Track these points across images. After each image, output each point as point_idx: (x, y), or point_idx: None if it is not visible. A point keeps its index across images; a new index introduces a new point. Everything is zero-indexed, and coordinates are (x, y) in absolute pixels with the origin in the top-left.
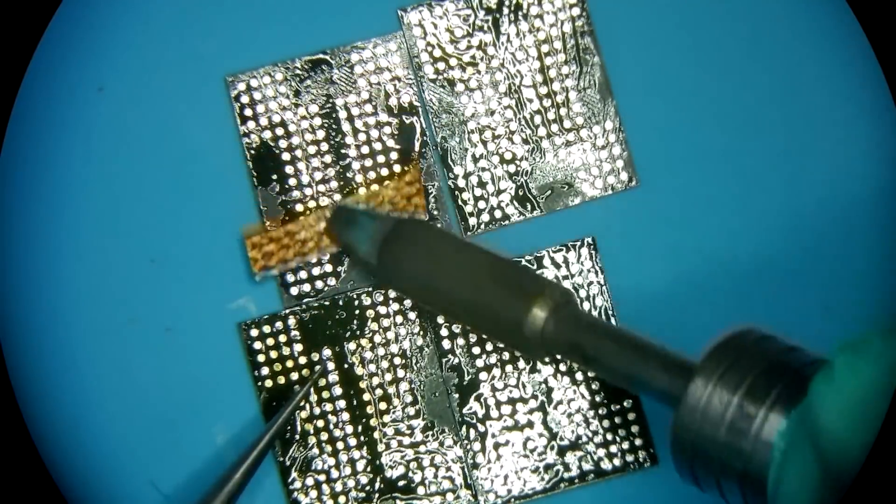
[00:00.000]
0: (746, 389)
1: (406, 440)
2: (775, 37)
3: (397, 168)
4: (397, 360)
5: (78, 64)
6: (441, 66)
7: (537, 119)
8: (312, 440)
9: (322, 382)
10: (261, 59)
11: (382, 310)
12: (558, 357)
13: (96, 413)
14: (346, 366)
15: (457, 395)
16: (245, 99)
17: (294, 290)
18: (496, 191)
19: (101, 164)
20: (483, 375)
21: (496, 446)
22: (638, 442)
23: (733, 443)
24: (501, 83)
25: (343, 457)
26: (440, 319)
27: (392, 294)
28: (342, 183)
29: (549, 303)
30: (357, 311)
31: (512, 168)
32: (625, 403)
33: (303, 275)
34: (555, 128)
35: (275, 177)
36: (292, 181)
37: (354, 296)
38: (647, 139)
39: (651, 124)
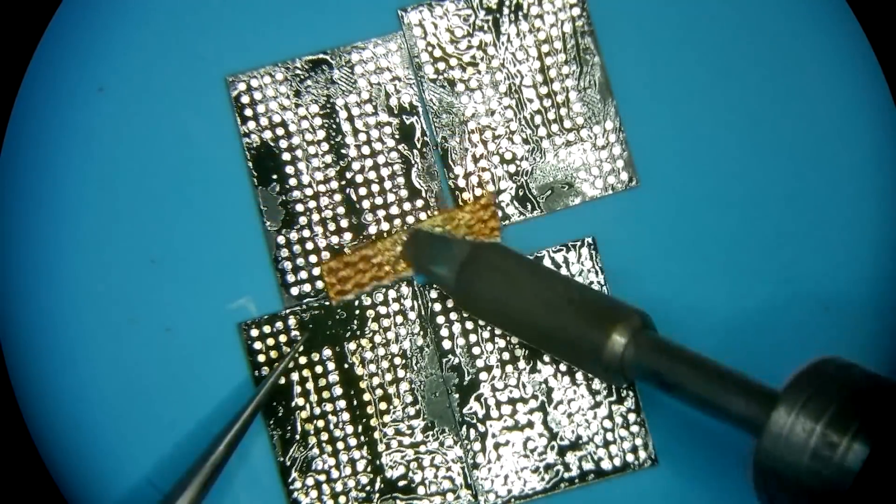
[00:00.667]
0: (830, 418)
1: (406, 440)
2: (775, 37)
3: (398, 167)
4: (397, 360)
5: (78, 64)
6: (441, 66)
7: (537, 119)
8: (312, 440)
9: (322, 382)
10: (261, 59)
11: (382, 310)
12: (637, 382)
13: (96, 413)
14: (346, 366)
15: (457, 395)
16: (245, 99)
17: (294, 290)
18: (496, 191)
19: (101, 165)
20: (483, 375)
21: (496, 446)
22: (638, 442)
23: (816, 471)
24: (501, 83)
25: (343, 457)
26: (439, 319)
27: (392, 294)
28: (342, 183)
29: (628, 329)
30: (357, 311)
31: (512, 168)
32: (625, 403)
33: (303, 275)
34: (555, 128)
35: (275, 177)
36: (292, 181)
37: (354, 296)
38: (647, 139)
39: (651, 124)
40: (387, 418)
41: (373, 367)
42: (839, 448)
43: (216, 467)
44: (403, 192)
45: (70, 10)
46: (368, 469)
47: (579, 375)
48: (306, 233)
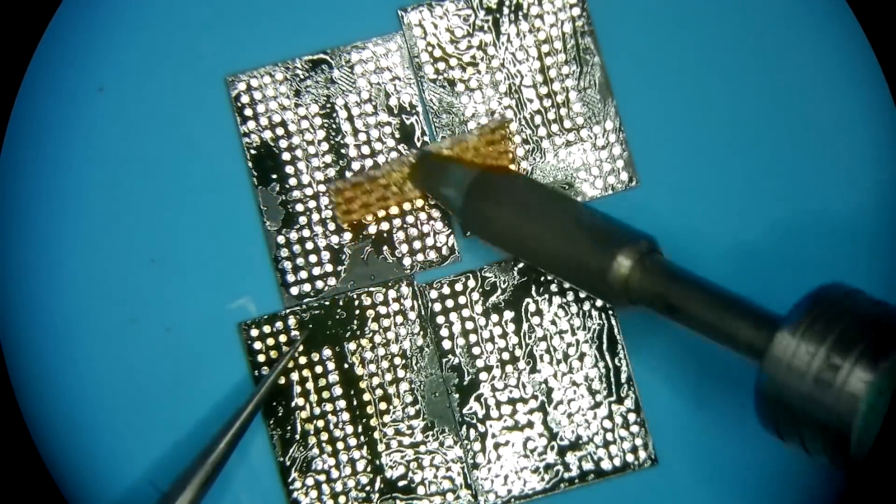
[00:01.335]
0: (833, 342)
1: (406, 440)
2: (775, 36)
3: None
4: (397, 360)
5: (78, 64)
6: (441, 66)
7: (537, 119)
8: (312, 440)
9: (322, 382)
10: (261, 59)
11: (382, 310)
12: (642, 306)
13: (96, 413)
14: (346, 366)
15: (457, 396)
16: (245, 99)
17: (294, 290)
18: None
19: (101, 165)
20: (483, 375)
21: (496, 446)
22: (638, 442)
23: (819, 394)
24: (501, 83)
25: (343, 457)
26: (439, 319)
27: (392, 294)
28: (342, 183)
29: (634, 252)
30: (357, 311)
31: (512, 168)
32: (625, 403)
33: (303, 275)
34: (555, 128)
35: (275, 177)
36: (292, 181)
37: (354, 296)
38: (647, 139)
39: (651, 124)
40: (387, 418)
41: (373, 367)
42: (841, 371)
43: (216, 466)
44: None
45: (70, 10)
46: (368, 469)
47: (579, 376)
48: (306, 233)
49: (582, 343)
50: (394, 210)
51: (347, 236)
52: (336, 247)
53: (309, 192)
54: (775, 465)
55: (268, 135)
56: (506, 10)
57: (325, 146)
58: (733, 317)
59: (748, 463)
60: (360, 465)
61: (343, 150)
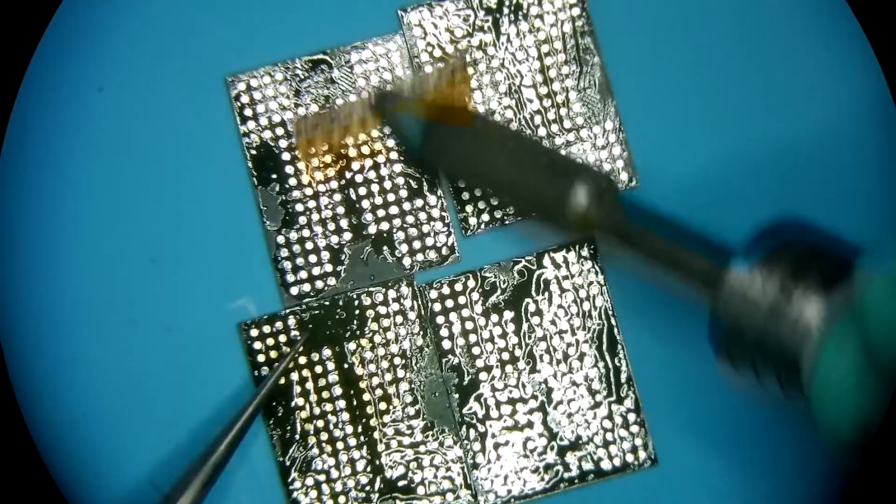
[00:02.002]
0: (788, 271)
1: (406, 440)
2: (775, 37)
3: (398, 168)
4: (397, 360)
5: (78, 64)
6: (441, 65)
7: (537, 119)
8: (312, 440)
9: (322, 382)
10: (261, 59)
11: (382, 310)
12: (599, 238)
13: (96, 413)
14: (346, 366)
15: (457, 396)
16: (245, 99)
17: (294, 290)
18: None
19: (101, 164)
20: (483, 375)
21: (496, 446)
22: (638, 442)
23: (773, 323)
24: (501, 83)
25: (343, 457)
26: (439, 319)
27: (392, 294)
28: (342, 183)
29: (592, 184)
30: (357, 311)
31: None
32: (625, 403)
33: (303, 275)
34: (555, 128)
35: (275, 177)
36: (292, 181)
37: (354, 296)
38: (647, 139)
39: (651, 124)
40: (386, 418)
41: (372, 367)
42: (797, 300)
43: (216, 467)
44: (403, 192)
45: (70, 10)
46: (368, 469)
47: (579, 376)
48: (306, 233)
49: (582, 343)
50: (391, 203)
51: (347, 236)
52: (336, 247)
53: (309, 191)
54: (775, 465)
55: (268, 135)
56: (506, 10)
57: (324, 146)
58: (689, 248)
59: (748, 463)
60: (360, 465)
61: (343, 150)
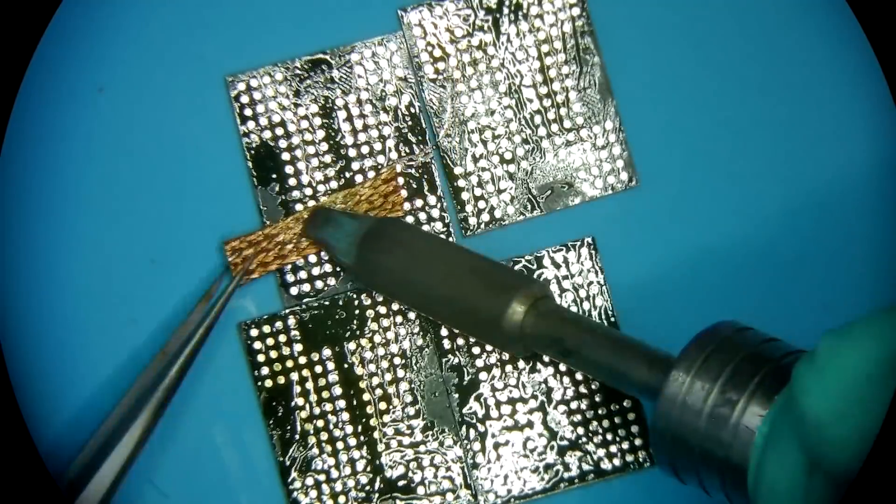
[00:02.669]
0: (727, 377)
1: (406, 440)
2: (775, 37)
3: (397, 168)
4: (397, 360)
5: (78, 64)
6: (441, 66)
7: (537, 119)
8: (312, 440)
9: (322, 382)
10: (261, 59)
11: (382, 310)
12: (536, 352)
13: (96, 413)
14: (346, 366)
15: (457, 395)
16: (245, 99)
17: (294, 290)
18: (496, 191)
19: (101, 165)
20: (483, 375)
21: (496, 446)
22: (638, 442)
23: (714, 431)
24: (501, 83)
25: (343, 457)
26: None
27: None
28: (342, 183)
29: (528, 297)
30: (357, 311)
31: (512, 168)
32: (625, 403)
33: (302, 275)
34: (555, 128)
35: (275, 177)
36: (292, 181)
37: (354, 296)
38: (647, 139)
39: (651, 124)
40: (386, 418)
41: (372, 367)
42: (737, 406)
43: (168, 391)
44: (403, 192)
45: (70, 10)
46: (368, 469)
47: (579, 375)
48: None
49: None
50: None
51: None
52: None
53: (309, 191)
54: None
55: (268, 135)
56: (506, 10)
57: (324, 146)
58: (628, 358)
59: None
60: (360, 465)
61: (343, 150)
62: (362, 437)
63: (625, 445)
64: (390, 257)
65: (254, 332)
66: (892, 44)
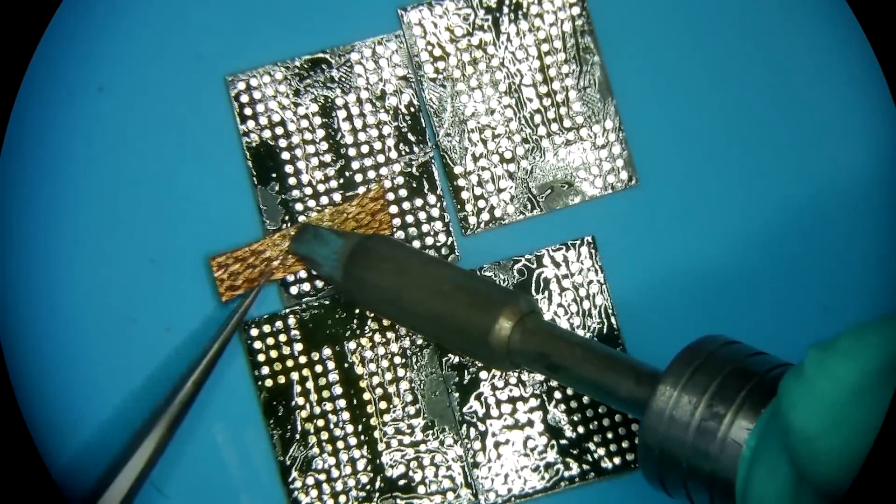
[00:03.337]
0: (714, 391)
1: (406, 439)
2: (775, 37)
3: (397, 168)
4: (397, 360)
5: (78, 64)
6: (441, 65)
7: (537, 118)
8: (312, 440)
9: (322, 382)
10: (261, 59)
11: None
12: (524, 368)
13: (96, 413)
14: (346, 365)
15: (457, 394)
16: (245, 98)
17: (294, 290)
18: (496, 190)
19: (101, 164)
20: (483, 374)
21: (496, 445)
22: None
23: (702, 444)
24: (501, 82)
25: (343, 456)
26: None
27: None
28: (342, 182)
29: (514, 313)
30: (357, 311)
31: (512, 167)
32: None
33: (302, 274)
34: (555, 127)
35: (275, 176)
36: (292, 181)
37: None
38: (647, 139)
39: (651, 124)
40: (387, 417)
41: (373, 367)
42: (724, 420)
43: (184, 405)
44: (403, 192)
45: (70, 10)
46: (368, 468)
47: None
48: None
49: None
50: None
51: None
52: None
53: (309, 191)
54: None
55: (268, 134)
56: (506, 10)
57: (324, 146)
58: (615, 373)
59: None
60: (361, 465)
61: (343, 150)
62: (363, 437)
63: (625, 444)
64: (377, 274)
65: (254, 332)
66: (892, 44)
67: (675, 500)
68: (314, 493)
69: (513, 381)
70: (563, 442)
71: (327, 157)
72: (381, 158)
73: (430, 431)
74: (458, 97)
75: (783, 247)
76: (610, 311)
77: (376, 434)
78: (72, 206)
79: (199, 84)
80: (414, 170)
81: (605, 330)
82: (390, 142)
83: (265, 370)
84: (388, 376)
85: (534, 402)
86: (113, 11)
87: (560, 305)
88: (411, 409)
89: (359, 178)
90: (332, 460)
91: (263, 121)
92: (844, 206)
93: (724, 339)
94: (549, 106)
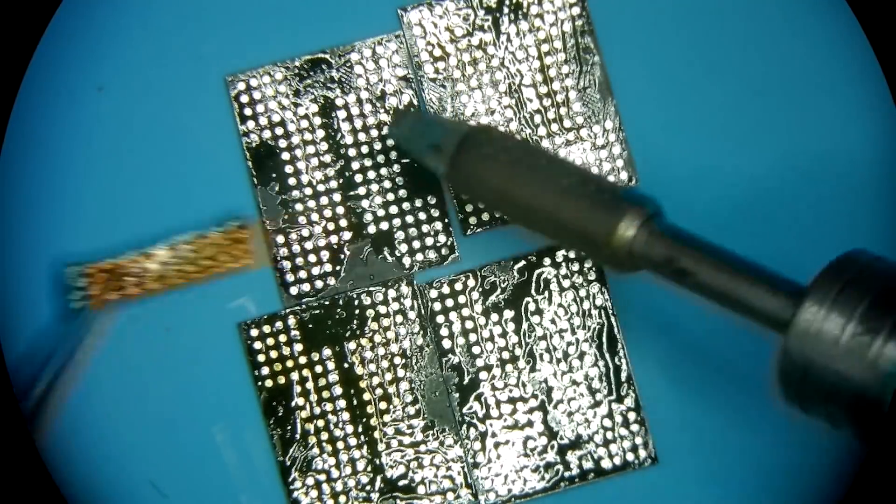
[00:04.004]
0: (864, 311)
1: (406, 440)
2: (775, 37)
3: (397, 168)
4: (397, 360)
5: (78, 64)
6: (441, 65)
7: (537, 118)
8: (312, 440)
9: (322, 382)
10: (261, 59)
11: (382, 309)
12: (646, 271)
13: (96, 413)
14: (346, 366)
15: (457, 395)
16: (245, 98)
17: (294, 290)
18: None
19: (101, 164)
20: (483, 375)
21: (496, 445)
22: (638, 441)
23: (851, 363)
24: (501, 83)
25: (343, 457)
26: (439, 319)
27: (392, 293)
28: (342, 182)
29: (640, 213)
30: (357, 311)
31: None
32: (625, 402)
33: (302, 274)
34: (555, 127)
35: (275, 176)
36: (292, 181)
37: (354, 296)
38: (647, 139)
39: (651, 124)
40: (387, 418)
41: (373, 367)
42: (875, 343)
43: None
44: (403, 192)
45: (70, 10)
46: (368, 469)
47: (579, 375)
48: (305, 232)
49: (582, 342)
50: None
51: (347, 236)
52: (335, 247)
53: (309, 191)
54: (775, 465)
55: (267, 134)
56: (506, 10)
57: (324, 146)
58: (752, 284)
59: (749, 462)
60: (361, 465)
61: (343, 150)
62: (363, 437)
63: (625, 444)
64: (490, 165)
65: (254, 332)
66: (892, 44)
67: (812, 417)
68: (314, 493)
69: (512, 381)
70: (563, 442)
71: (327, 157)
72: (381, 159)
73: (430, 432)
74: (458, 97)
75: (784, 245)
76: (610, 311)
77: (376, 434)
78: (71, 205)
79: (199, 84)
80: (414, 170)
81: (604, 329)
82: (390, 142)
83: (265, 370)
84: (388, 377)
85: (534, 403)
86: (113, 11)
87: (560, 305)
88: (411, 410)
89: (359, 178)
90: (332, 461)
91: (263, 121)
92: (845, 203)
93: (870, 254)
94: (549, 106)
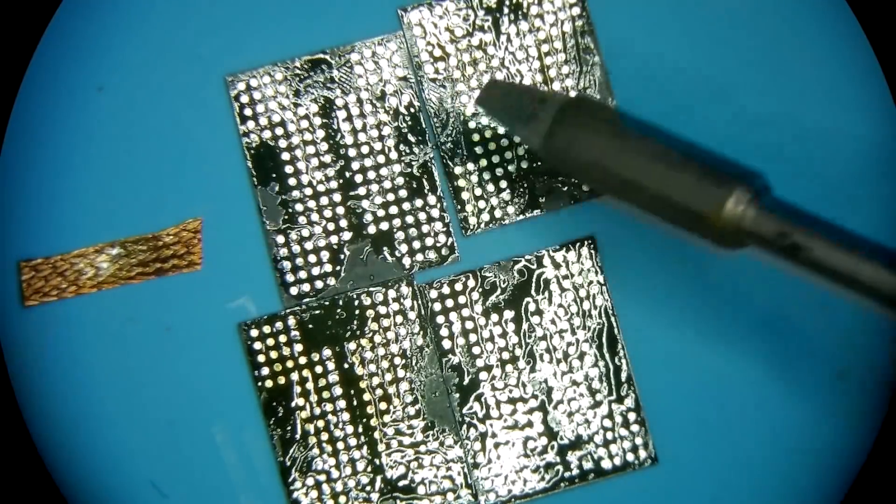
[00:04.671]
0: None
1: (406, 440)
2: (775, 37)
3: (398, 168)
4: (397, 360)
5: (78, 64)
6: (441, 65)
7: None
8: (312, 440)
9: (322, 382)
10: (261, 59)
11: (382, 310)
12: (755, 249)
13: (96, 413)
14: (346, 366)
15: (457, 395)
16: (245, 99)
17: (294, 290)
18: (496, 190)
19: (101, 164)
20: (483, 375)
21: (496, 446)
22: (638, 441)
23: None
24: None
25: (343, 457)
26: (439, 319)
27: (392, 294)
28: (342, 182)
29: (748, 189)
30: (357, 311)
31: (512, 168)
32: (625, 403)
33: (302, 275)
34: None
35: (275, 176)
36: (292, 181)
37: (354, 296)
38: None
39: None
40: (387, 418)
41: (373, 367)
42: None
43: None
44: (403, 192)
45: (70, 10)
46: (368, 469)
47: (579, 375)
48: (306, 232)
49: (582, 342)
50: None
51: (347, 236)
52: (336, 247)
53: (309, 191)
54: (776, 465)
55: (267, 134)
56: (506, 10)
57: (324, 146)
58: (872, 263)
59: (749, 462)
60: (361, 465)
61: (343, 150)
62: (363, 437)
63: (625, 445)
64: (591, 137)
65: (254, 333)
66: (892, 44)
67: None
68: (314, 493)
69: (512, 381)
70: (563, 442)
71: (327, 158)
72: (381, 159)
73: (430, 432)
74: (458, 97)
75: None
76: (610, 312)
77: (376, 435)
78: (71, 205)
79: (199, 84)
80: (414, 170)
81: (605, 329)
82: (390, 142)
83: (265, 371)
84: (388, 377)
85: (534, 403)
86: (113, 11)
87: (560, 306)
88: (411, 410)
89: (359, 178)
90: (332, 461)
91: (263, 121)
92: (846, 203)
93: None
94: None
